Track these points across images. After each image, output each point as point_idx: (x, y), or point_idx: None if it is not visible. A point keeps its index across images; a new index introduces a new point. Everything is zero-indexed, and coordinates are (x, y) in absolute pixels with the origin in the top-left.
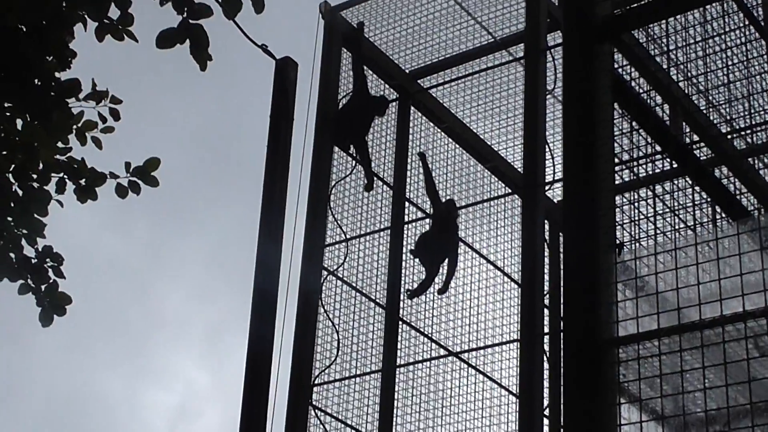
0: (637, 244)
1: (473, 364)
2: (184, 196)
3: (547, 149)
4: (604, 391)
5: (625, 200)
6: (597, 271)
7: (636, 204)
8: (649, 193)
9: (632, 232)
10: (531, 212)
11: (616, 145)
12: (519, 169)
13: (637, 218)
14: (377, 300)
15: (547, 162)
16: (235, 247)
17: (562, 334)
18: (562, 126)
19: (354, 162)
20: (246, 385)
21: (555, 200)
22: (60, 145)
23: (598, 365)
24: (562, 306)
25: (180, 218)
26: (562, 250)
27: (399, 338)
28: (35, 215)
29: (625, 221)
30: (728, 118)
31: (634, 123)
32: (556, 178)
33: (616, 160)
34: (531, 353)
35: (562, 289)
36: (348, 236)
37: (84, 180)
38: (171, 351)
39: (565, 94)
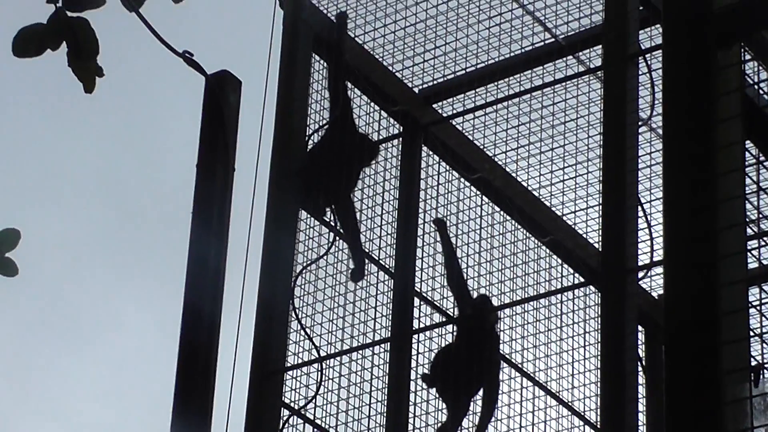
0: None
1: None
2: (62, 293)
3: (641, 213)
4: None
5: (765, 295)
6: (721, 414)
7: None
8: None
9: None
10: (615, 313)
11: (749, 207)
12: (597, 246)
13: None
14: None
15: (641, 234)
16: (144, 371)
17: None
18: (663, 177)
19: (332, 236)
20: None
21: (655, 295)
22: None
23: None
24: None
25: (56, 328)
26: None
27: None
28: None
29: (765, 329)
30: None
31: None
32: (655, 259)
33: (751, 232)
34: None
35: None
36: (322, 353)
37: None
38: None
39: (666, 126)
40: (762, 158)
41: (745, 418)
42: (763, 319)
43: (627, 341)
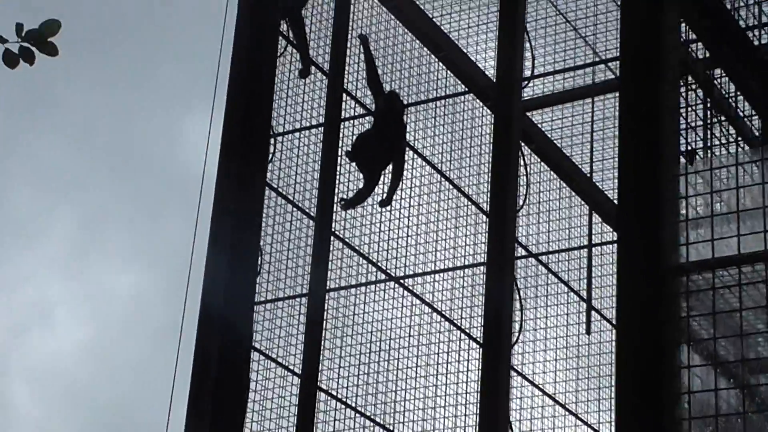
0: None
1: (418, 293)
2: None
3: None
4: (667, 327)
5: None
6: (659, 183)
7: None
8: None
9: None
10: (506, 113)
11: None
12: (478, 64)
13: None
14: (306, 209)
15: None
16: (106, 122)
17: (618, 258)
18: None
19: (285, 42)
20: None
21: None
22: None
23: (659, 297)
24: (617, 223)
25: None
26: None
27: (330, 257)
28: None
29: (698, 123)
30: None
31: None
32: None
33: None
34: (499, 281)
35: (617, 200)
36: (274, 131)
37: None
38: (24, 259)
39: None
40: None
41: (679, 187)
42: (694, 115)
43: (513, 133)
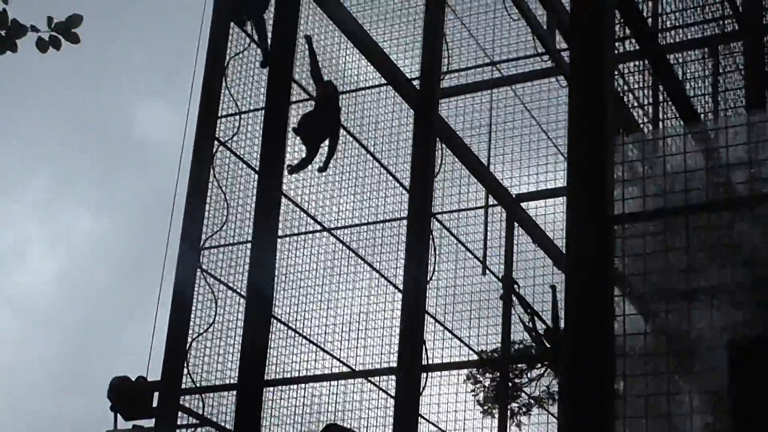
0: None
1: (347, 243)
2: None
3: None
4: (606, 266)
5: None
6: (603, 148)
7: None
8: None
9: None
10: (426, 105)
11: None
12: (391, 58)
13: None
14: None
15: None
16: (77, 100)
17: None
18: None
19: (250, 40)
20: None
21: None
22: None
23: (602, 242)
24: (567, 181)
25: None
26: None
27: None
28: None
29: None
30: None
31: None
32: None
33: None
34: (419, 235)
35: (567, 150)
36: (240, 109)
37: (5, 31)
38: (4, 208)
39: None
40: None
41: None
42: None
43: (433, 120)
